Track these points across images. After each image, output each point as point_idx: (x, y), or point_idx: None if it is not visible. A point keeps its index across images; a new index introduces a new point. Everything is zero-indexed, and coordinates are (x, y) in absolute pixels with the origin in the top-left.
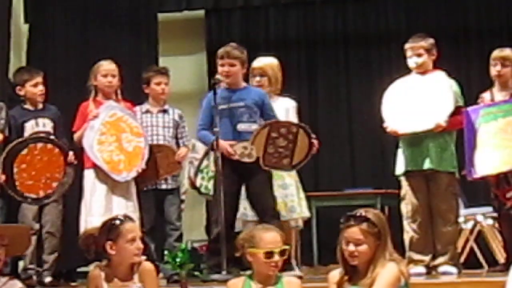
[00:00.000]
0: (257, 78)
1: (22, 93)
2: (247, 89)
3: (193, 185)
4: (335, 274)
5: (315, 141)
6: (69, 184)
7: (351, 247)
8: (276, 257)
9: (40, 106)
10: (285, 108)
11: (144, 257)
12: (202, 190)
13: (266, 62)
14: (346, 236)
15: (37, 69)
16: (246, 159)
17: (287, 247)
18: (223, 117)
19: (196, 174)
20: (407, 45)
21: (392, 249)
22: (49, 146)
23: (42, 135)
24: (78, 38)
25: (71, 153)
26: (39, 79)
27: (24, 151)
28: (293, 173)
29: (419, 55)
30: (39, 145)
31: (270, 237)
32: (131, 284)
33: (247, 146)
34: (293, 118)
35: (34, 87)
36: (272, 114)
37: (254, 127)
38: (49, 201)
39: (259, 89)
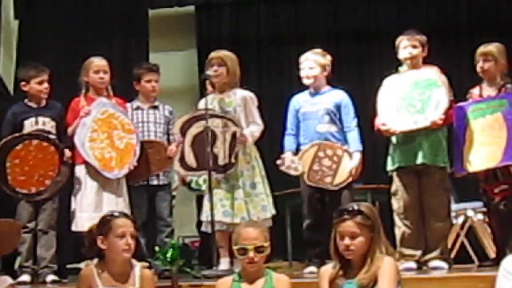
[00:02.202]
0: (215, 68)
1: (26, 89)
2: (329, 92)
3: (183, 181)
4: (327, 269)
5: (353, 170)
6: (63, 183)
7: (347, 241)
8: (250, 254)
9: (43, 103)
10: (242, 97)
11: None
12: (193, 185)
13: (226, 53)
14: (340, 231)
15: (44, 66)
16: (292, 172)
17: (264, 243)
18: (305, 120)
19: None
20: (403, 36)
21: (386, 241)
22: (45, 144)
23: (39, 132)
24: (68, 34)
25: (67, 151)
26: (45, 76)
27: (19, 147)
28: (260, 169)
29: (415, 47)
30: (35, 142)
31: (244, 233)
32: (128, 285)
33: (294, 160)
34: (252, 108)
35: (39, 85)
36: (348, 117)
37: (333, 128)
38: (40, 198)
39: (340, 91)
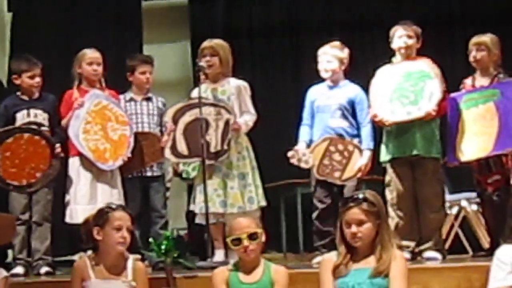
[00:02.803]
0: (207, 58)
1: (18, 82)
2: (346, 86)
3: (175, 172)
4: (331, 257)
5: (362, 167)
6: (54, 176)
7: (354, 229)
8: (245, 243)
9: (36, 95)
10: (236, 86)
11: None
12: (184, 175)
13: (217, 42)
14: (346, 219)
15: (37, 60)
16: (302, 165)
17: (256, 230)
18: (318, 112)
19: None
20: (398, 26)
21: (391, 231)
22: (36, 137)
23: (31, 126)
24: (61, 26)
25: (58, 145)
26: (37, 71)
27: (10, 140)
28: (251, 159)
29: (410, 37)
30: (26, 135)
31: (235, 224)
32: (121, 277)
33: (306, 153)
34: (245, 97)
35: (31, 79)
36: (362, 113)
37: (345, 124)
38: (31, 190)
39: (356, 86)
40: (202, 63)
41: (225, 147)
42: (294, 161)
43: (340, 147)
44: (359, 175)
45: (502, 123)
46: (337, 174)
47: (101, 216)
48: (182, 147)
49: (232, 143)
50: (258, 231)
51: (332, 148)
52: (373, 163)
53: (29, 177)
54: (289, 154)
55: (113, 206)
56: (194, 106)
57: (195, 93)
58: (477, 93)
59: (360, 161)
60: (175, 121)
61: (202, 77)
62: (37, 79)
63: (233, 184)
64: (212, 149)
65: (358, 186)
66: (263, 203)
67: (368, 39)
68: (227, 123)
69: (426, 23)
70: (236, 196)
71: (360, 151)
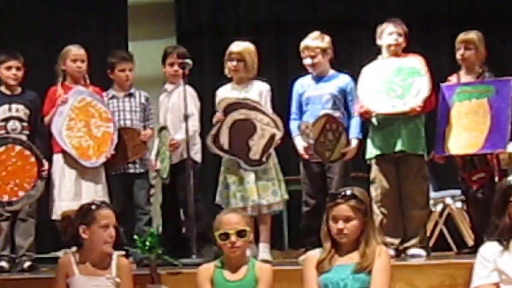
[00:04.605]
0: (234, 63)
1: None
2: (333, 75)
3: (153, 168)
4: (314, 254)
5: (347, 150)
6: (35, 198)
7: (340, 225)
8: (232, 238)
9: (19, 90)
10: (259, 92)
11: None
12: (162, 174)
13: (244, 47)
14: (334, 215)
15: (18, 53)
16: (304, 138)
17: (245, 228)
18: (309, 104)
19: (156, 157)
20: (389, 23)
21: (376, 228)
22: (27, 152)
23: (24, 139)
24: (46, 21)
25: (46, 164)
26: (13, 62)
27: (2, 148)
28: (272, 156)
29: (400, 34)
30: (18, 148)
31: (225, 219)
32: (106, 274)
33: (308, 126)
34: (267, 101)
35: (7, 70)
36: (352, 103)
37: (337, 114)
38: (10, 209)
39: (346, 76)
40: (188, 60)
41: (264, 159)
42: (303, 130)
43: (334, 126)
44: (343, 158)
45: (494, 122)
46: (327, 154)
47: (87, 214)
48: (224, 140)
49: None
50: (247, 229)
51: (328, 126)
52: (357, 154)
53: (11, 193)
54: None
55: (98, 203)
56: (247, 106)
57: (221, 92)
58: (471, 86)
59: (347, 148)
60: (226, 113)
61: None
62: (14, 71)
63: (250, 179)
64: (251, 156)
65: (346, 180)
66: (286, 196)
67: (354, 36)
68: (272, 137)
69: (411, 20)
70: (252, 190)
71: (347, 135)
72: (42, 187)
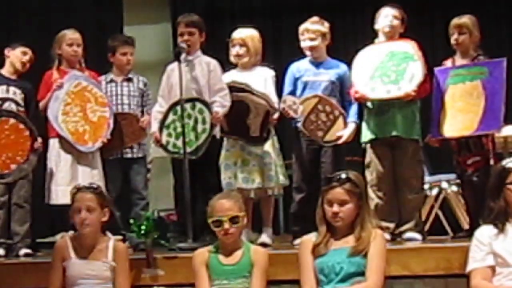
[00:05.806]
0: (237, 49)
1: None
2: (331, 62)
3: (157, 141)
4: (310, 238)
5: (344, 136)
6: (28, 172)
7: (335, 208)
8: (226, 225)
9: (15, 76)
10: (263, 78)
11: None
12: (170, 148)
13: (247, 33)
14: (329, 198)
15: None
16: (291, 113)
17: (238, 214)
18: (306, 89)
19: (161, 130)
20: (387, 6)
21: (372, 212)
22: (21, 126)
23: (18, 113)
24: (41, 6)
25: (39, 139)
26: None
27: None
28: (273, 140)
29: (396, 18)
30: (11, 121)
31: (218, 205)
32: (102, 258)
33: (296, 102)
34: (271, 87)
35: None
36: (347, 90)
37: (333, 101)
38: (2, 181)
39: (342, 64)
40: (183, 44)
41: (264, 135)
42: (284, 106)
43: (328, 108)
44: (339, 141)
45: (488, 104)
46: (320, 133)
47: (71, 198)
48: (223, 123)
49: None
50: (240, 214)
51: (320, 107)
52: (354, 138)
53: (3, 166)
54: (282, 99)
55: (80, 187)
56: (242, 90)
57: (225, 77)
58: (464, 69)
59: (344, 131)
60: None
61: (182, 56)
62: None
63: (255, 161)
64: (251, 134)
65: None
66: (287, 181)
67: (349, 20)
68: (267, 113)
69: (406, 5)
70: (256, 172)
71: (345, 120)
72: (35, 161)
